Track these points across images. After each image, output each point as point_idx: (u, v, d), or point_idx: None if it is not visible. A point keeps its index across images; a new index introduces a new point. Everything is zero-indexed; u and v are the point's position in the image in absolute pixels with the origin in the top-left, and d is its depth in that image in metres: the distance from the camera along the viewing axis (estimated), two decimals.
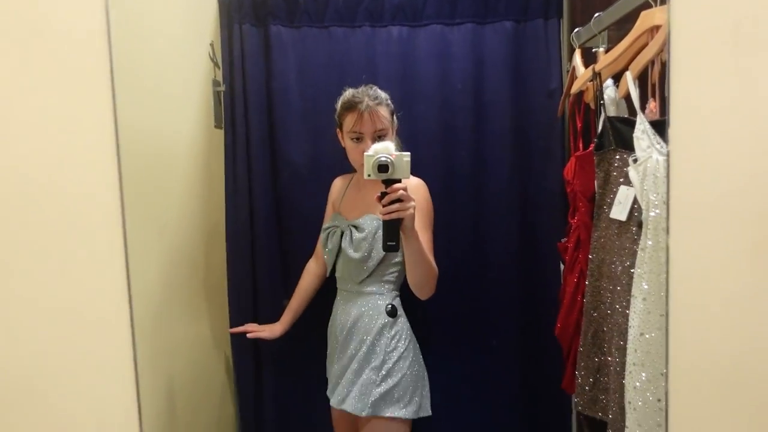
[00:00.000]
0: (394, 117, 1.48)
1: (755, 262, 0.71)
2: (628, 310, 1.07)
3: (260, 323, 1.69)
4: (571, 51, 1.61)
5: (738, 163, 0.69)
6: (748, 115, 0.71)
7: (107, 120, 0.78)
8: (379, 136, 1.41)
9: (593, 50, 1.48)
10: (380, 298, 1.47)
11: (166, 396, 1.38)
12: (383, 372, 1.40)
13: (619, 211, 1.16)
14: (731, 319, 0.73)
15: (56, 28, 0.83)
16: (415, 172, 1.27)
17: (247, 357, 1.72)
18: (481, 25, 1.71)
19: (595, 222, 1.26)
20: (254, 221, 1.71)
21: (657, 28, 1.11)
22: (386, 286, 1.48)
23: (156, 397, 1.31)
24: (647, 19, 1.14)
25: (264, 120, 1.70)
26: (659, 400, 1.00)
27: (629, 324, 1.06)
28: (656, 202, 1.01)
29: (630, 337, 1.05)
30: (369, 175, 1.22)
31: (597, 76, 1.29)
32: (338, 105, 1.47)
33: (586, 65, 1.47)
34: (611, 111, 1.29)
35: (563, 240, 1.56)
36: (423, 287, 1.38)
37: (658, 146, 1.04)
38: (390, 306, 1.45)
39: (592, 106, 1.37)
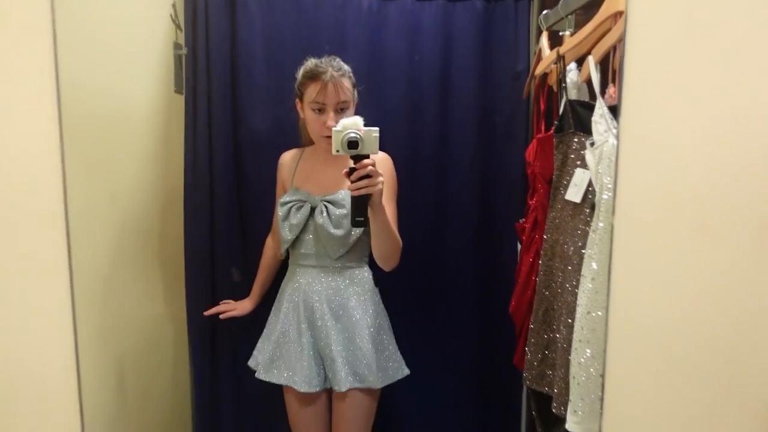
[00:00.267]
0: (356, 90, 1.46)
1: (696, 244, 0.74)
2: (578, 289, 1.11)
3: (217, 296, 1.68)
4: (539, 33, 1.62)
5: (685, 146, 0.71)
6: (696, 102, 0.73)
7: (47, 77, 0.74)
8: (341, 108, 1.40)
9: (560, 33, 1.49)
10: (361, 271, 1.48)
11: (115, 369, 1.36)
12: (370, 344, 1.42)
13: (574, 193, 1.18)
14: (669, 299, 0.76)
15: None
16: (380, 146, 1.27)
17: (202, 332, 1.70)
18: (452, 2, 1.71)
19: (551, 203, 1.29)
20: (214, 190, 1.68)
21: (620, 13, 1.12)
22: (363, 260, 1.50)
23: (103, 371, 1.29)
24: (611, 4, 1.15)
25: (227, 86, 1.66)
26: (602, 376, 1.04)
27: (577, 302, 1.09)
28: (609, 186, 1.03)
29: (577, 315, 1.08)
30: (338, 151, 1.22)
31: (561, 59, 1.30)
32: (299, 74, 1.45)
33: (553, 48, 1.48)
34: (573, 94, 1.30)
35: (521, 220, 1.59)
36: (388, 259, 1.40)
37: (614, 131, 1.06)
38: (375, 278, 1.49)
39: (555, 88, 1.39)
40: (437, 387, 1.80)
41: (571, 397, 1.09)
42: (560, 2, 1.44)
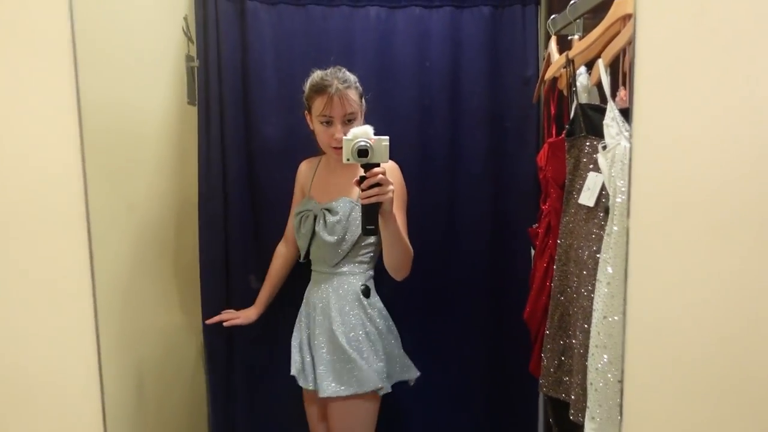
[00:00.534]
0: (363, 99, 1.48)
1: (712, 246, 0.73)
2: (594, 294, 1.10)
3: (232, 304, 1.68)
4: (548, 38, 1.62)
5: (698, 148, 0.71)
6: (709, 103, 0.72)
7: (68, 92, 0.76)
8: (348, 120, 1.42)
9: (568, 37, 1.49)
10: (354, 278, 1.48)
11: (135, 379, 1.37)
12: (358, 351, 1.41)
13: (587, 197, 1.17)
14: (688, 303, 0.75)
15: None
16: (390, 154, 1.27)
17: (218, 338, 1.71)
18: (460, 9, 1.71)
19: (564, 207, 1.28)
20: (227, 199, 1.69)
21: (629, 16, 1.12)
22: (360, 267, 1.49)
23: (122, 378, 1.30)
24: (620, 7, 1.15)
25: (238, 97, 1.68)
26: (620, 381, 1.03)
27: (593, 307, 1.08)
28: (623, 189, 1.03)
29: (594, 320, 1.07)
30: (348, 160, 1.23)
31: (570, 63, 1.30)
32: (306, 87, 1.46)
33: (561, 52, 1.47)
34: (583, 98, 1.30)
35: (534, 225, 1.58)
36: (399, 269, 1.40)
37: (626, 134, 1.06)
38: (364, 286, 1.47)
39: (565, 92, 1.38)
40: (451, 394, 1.79)
41: (588, 404, 1.07)
42: (568, 6, 1.44)
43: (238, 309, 1.66)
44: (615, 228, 1.04)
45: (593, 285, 1.11)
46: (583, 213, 1.20)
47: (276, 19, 1.68)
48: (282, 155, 1.68)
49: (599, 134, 1.14)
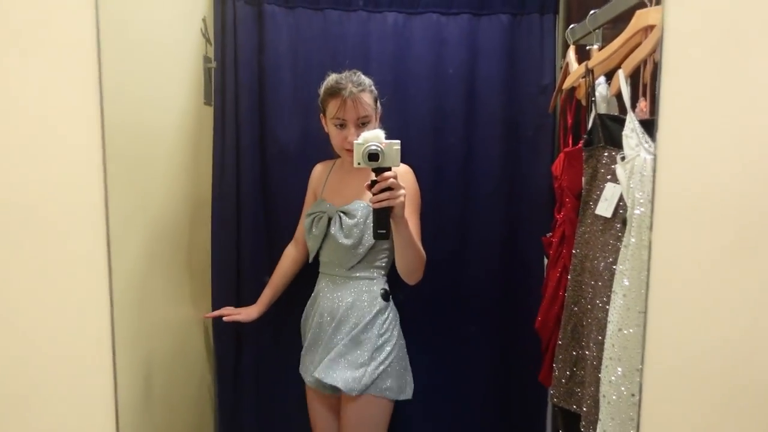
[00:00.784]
0: (378, 103, 1.47)
1: (735, 261, 0.72)
2: (608, 305, 1.09)
3: (243, 303, 1.68)
4: (566, 47, 1.61)
5: (723, 163, 0.70)
6: (734, 116, 0.72)
7: (92, 90, 0.76)
8: (362, 123, 1.42)
9: (587, 47, 1.48)
10: (371, 283, 1.48)
11: (144, 373, 1.37)
12: (376, 354, 1.42)
13: (604, 208, 1.17)
14: (708, 318, 0.74)
15: None
16: (403, 159, 1.27)
17: (227, 337, 1.72)
18: (477, 17, 1.71)
19: (580, 218, 1.27)
20: (241, 200, 1.69)
21: (651, 27, 1.11)
22: (377, 272, 1.49)
23: (134, 374, 1.30)
24: (641, 18, 1.15)
25: (254, 99, 1.68)
26: (633, 395, 1.02)
27: (608, 319, 1.07)
28: (641, 200, 1.02)
29: (608, 332, 1.06)
30: (359, 164, 1.22)
31: (590, 73, 1.30)
32: (321, 91, 1.47)
33: (580, 62, 1.47)
34: (602, 108, 1.29)
35: (548, 235, 1.57)
36: (412, 273, 1.40)
37: (646, 145, 1.05)
38: (383, 290, 1.48)
39: (584, 102, 1.38)
40: (460, 401, 1.79)
41: (600, 417, 1.06)
42: (588, 16, 1.44)
43: (225, 307, 1.64)
44: (632, 240, 1.03)
45: (608, 296, 1.10)
46: (599, 224, 1.19)
47: (293, 22, 1.69)
48: (296, 158, 1.69)
49: (618, 145, 1.14)
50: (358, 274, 1.48)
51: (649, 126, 1.07)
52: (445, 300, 1.74)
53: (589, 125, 1.27)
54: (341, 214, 1.46)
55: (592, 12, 1.42)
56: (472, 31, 1.71)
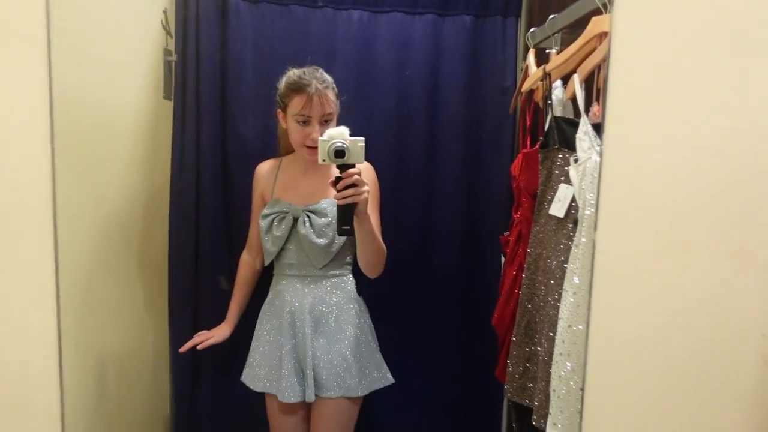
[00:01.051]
0: (338, 101, 1.47)
1: (675, 261, 0.75)
2: (560, 303, 1.12)
3: (201, 304, 1.67)
4: (527, 50, 1.65)
5: (668, 166, 0.73)
6: (680, 121, 0.75)
7: (41, 84, 0.74)
8: (325, 120, 1.41)
9: (546, 51, 1.52)
10: (346, 279, 1.49)
11: (95, 374, 1.34)
12: (357, 352, 1.44)
13: (557, 208, 1.20)
14: (649, 315, 0.78)
15: None
16: (366, 156, 1.28)
17: (184, 339, 1.67)
18: (442, 17, 1.73)
19: (535, 217, 1.31)
20: (200, 198, 1.67)
21: (605, 34, 1.15)
22: (347, 268, 1.50)
23: (84, 375, 1.28)
24: (597, 25, 1.18)
25: (216, 94, 1.66)
26: (581, 389, 1.05)
27: (559, 316, 1.10)
28: (592, 201, 1.05)
29: (559, 329, 1.10)
30: (324, 161, 1.23)
31: (547, 77, 1.33)
32: (282, 85, 1.44)
33: (539, 65, 1.50)
34: (558, 111, 1.33)
35: (506, 234, 1.60)
36: (374, 267, 1.42)
37: (598, 148, 1.08)
38: (357, 285, 1.50)
39: (541, 105, 1.41)
40: (418, 396, 1.81)
41: (551, 410, 1.10)
42: (547, 20, 1.47)
43: (197, 334, 1.60)
44: (583, 239, 1.07)
45: (560, 294, 1.13)
46: (552, 223, 1.23)
47: (258, 17, 1.67)
48: (258, 155, 1.67)
49: (572, 147, 1.17)
50: (330, 272, 1.47)
51: (601, 129, 1.11)
52: (404, 296, 1.76)
53: (546, 128, 1.30)
54: (309, 214, 1.44)
55: (551, 16, 1.45)
56: (436, 32, 1.73)
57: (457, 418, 1.83)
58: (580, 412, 0.77)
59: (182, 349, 1.55)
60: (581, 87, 1.19)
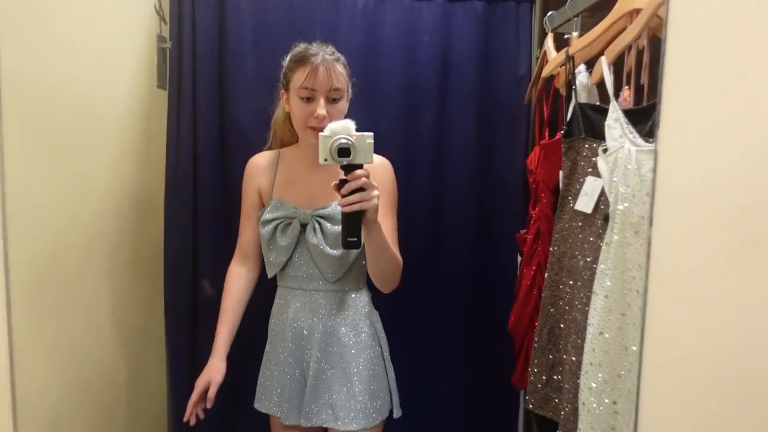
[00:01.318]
0: (350, 83, 1.28)
1: (743, 262, 0.65)
2: (588, 307, 1.02)
3: (199, 306, 1.58)
4: (542, 37, 1.55)
5: (729, 158, 0.63)
6: (741, 110, 0.65)
7: None
8: (333, 99, 1.21)
9: (565, 36, 1.42)
10: (361, 294, 1.30)
11: (80, 381, 1.26)
12: (365, 378, 1.25)
13: (584, 203, 1.10)
14: (713, 326, 0.67)
15: None
16: (374, 150, 1.16)
17: (181, 345, 1.60)
18: (451, 3, 1.64)
19: (558, 213, 1.21)
20: (197, 192, 1.58)
21: (637, 11, 1.05)
22: (362, 281, 1.31)
23: (67, 378, 1.19)
24: (626, 2, 1.09)
25: (213, 82, 1.57)
26: (614, 403, 0.96)
27: (588, 322, 1.01)
28: (625, 195, 0.96)
29: (588, 336, 1.00)
30: (326, 160, 1.04)
31: (570, 60, 1.23)
32: (286, 61, 1.27)
33: (558, 51, 1.41)
34: (582, 97, 1.23)
35: (522, 231, 1.51)
36: (387, 282, 1.22)
37: (630, 136, 0.99)
38: (372, 297, 1.31)
39: (563, 92, 1.31)
40: (431, 404, 1.71)
41: (580, 425, 1.00)
42: (567, 3, 1.38)
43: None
44: (615, 237, 0.97)
45: (588, 297, 1.03)
46: (579, 220, 1.13)
47: (257, 2, 1.58)
48: (257, 146, 1.56)
49: (599, 136, 1.07)
50: (346, 287, 1.27)
51: (634, 116, 1.01)
52: (415, 299, 1.66)
53: (569, 115, 1.20)
54: (320, 220, 1.23)
55: None
56: (445, 18, 1.63)
57: (472, 425, 1.74)
58: (634, 428, 0.67)
59: (187, 419, 1.28)
60: (610, 70, 1.09)
